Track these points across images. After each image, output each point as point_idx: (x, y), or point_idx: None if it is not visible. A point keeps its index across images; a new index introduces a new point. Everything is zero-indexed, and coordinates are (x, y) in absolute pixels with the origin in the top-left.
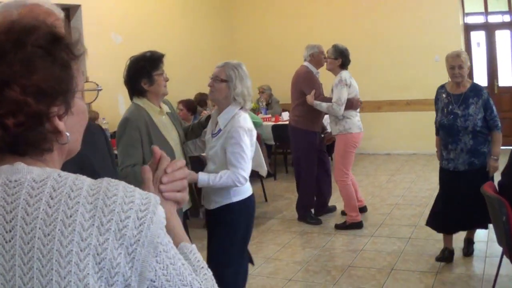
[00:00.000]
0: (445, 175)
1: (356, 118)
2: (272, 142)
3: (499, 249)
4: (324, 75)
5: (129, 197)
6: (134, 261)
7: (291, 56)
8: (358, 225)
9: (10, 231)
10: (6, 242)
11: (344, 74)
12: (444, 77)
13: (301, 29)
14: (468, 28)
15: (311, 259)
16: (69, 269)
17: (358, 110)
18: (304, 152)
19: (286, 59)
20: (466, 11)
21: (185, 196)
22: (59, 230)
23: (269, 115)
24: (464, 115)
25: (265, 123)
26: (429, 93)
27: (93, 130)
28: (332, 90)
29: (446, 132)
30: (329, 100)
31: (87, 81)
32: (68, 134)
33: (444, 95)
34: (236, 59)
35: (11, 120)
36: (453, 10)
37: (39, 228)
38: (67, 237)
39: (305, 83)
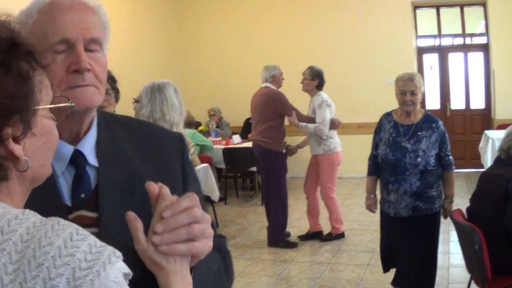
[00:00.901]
0: (385, 220)
1: (337, 138)
2: (223, 166)
3: (462, 275)
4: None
5: (70, 248)
6: None
7: (241, 79)
8: (342, 235)
9: None
10: None
11: (324, 95)
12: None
13: (252, 51)
14: (421, 51)
15: None
16: None
17: (337, 129)
18: (277, 174)
19: (236, 82)
20: (419, 33)
21: (199, 247)
22: None
23: (220, 138)
24: (414, 150)
25: (215, 146)
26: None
27: (160, 136)
28: (313, 111)
29: (390, 169)
30: (311, 119)
31: (58, 96)
32: (27, 159)
33: (390, 125)
34: (185, 81)
35: None
36: (406, 32)
37: None
38: None
39: (283, 105)
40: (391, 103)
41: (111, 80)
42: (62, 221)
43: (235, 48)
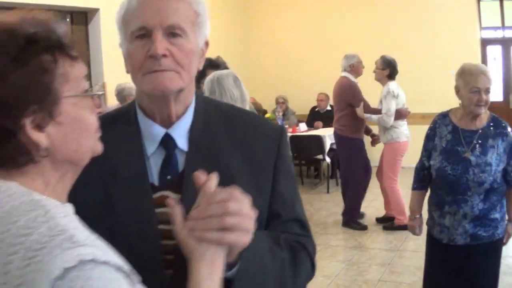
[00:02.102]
0: (433, 247)
1: (403, 127)
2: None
3: None
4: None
5: (28, 228)
6: None
7: (307, 68)
8: (405, 227)
9: None
10: None
11: (392, 85)
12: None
13: (318, 41)
14: (485, 42)
15: (339, 272)
16: None
17: (405, 119)
18: (352, 159)
19: (302, 71)
20: (483, 25)
21: (231, 239)
22: None
23: (286, 126)
24: (479, 164)
25: None
26: (445, 107)
27: (257, 129)
28: (380, 101)
29: (448, 187)
30: (377, 111)
31: (97, 84)
32: (47, 146)
33: (447, 130)
34: (252, 69)
35: None
36: (471, 23)
37: None
38: None
39: (352, 96)
40: (454, 94)
41: (211, 67)
42: (43, 201)
43: (302, 37)
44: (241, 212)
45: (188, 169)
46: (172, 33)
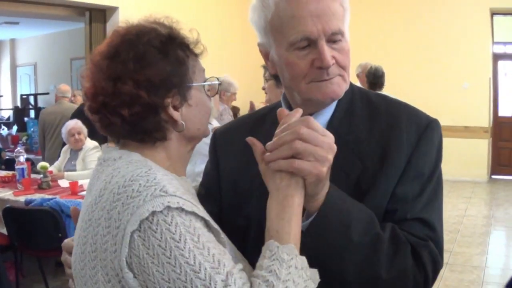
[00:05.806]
0: None
1: None
2: None
3: None
4: None
5: (131, 181)
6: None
7: None
8: None
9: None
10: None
11: None
12: (472, 105)
13: None
14: (497, 57)
15: None
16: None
17: None
18: None
19: None
20: (495, 40)
21: (300, 165)
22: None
23: None
24: None
25: None
26: (457, 119)
27: (400, 120)
28: None
29: None
30: None
31: (211, 77)
32: (183, 122)
33: None
34: None
35: (125, 110)
36: (484, 38)
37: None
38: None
39: None
40: (467, 107)
41: None
42: (150, 162)
43: None
44: (316, 139)
45: None
46: (333, 39)
